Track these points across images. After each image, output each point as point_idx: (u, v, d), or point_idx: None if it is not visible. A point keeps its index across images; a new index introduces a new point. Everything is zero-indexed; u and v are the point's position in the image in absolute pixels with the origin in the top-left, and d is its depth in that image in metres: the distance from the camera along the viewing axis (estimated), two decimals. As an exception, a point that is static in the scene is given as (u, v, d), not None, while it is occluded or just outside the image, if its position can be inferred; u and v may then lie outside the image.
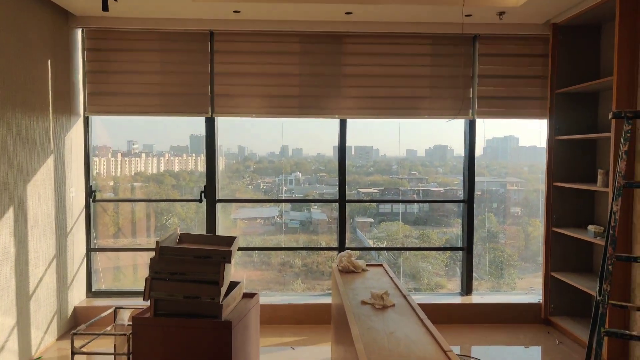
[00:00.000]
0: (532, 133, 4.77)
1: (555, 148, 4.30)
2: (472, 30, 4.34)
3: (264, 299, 4.46)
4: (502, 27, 4.33)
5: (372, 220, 5.08)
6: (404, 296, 2.76)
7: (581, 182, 4.20)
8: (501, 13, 4.04)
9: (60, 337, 4.02)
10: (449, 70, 4.49)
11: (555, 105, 4.28)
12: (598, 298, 2.08)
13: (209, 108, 4.42)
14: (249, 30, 4.36)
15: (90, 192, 4.54)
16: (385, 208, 5.11)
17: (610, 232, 2.09)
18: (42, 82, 3.80)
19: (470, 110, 4.49)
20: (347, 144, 4.58)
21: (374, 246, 5.00)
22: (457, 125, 4.57)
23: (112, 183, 4.89)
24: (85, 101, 4.40)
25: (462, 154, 4.67)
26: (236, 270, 4.79)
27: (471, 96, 4.49)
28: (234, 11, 4.04)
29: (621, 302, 2.40)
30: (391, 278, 3.19)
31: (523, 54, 4.48)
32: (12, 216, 3.41)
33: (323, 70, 4.45)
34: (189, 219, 4.95)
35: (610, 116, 2.29)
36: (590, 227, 3.82)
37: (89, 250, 4.55)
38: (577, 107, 4.28)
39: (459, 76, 4.48)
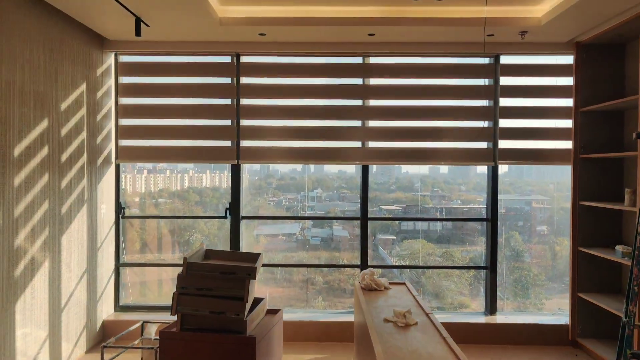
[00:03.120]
0: (558, 151, 4.72)
1: (581, 167, 4.26)
2: (494, 49, 4.37)
3: (287, 315, 4.49)
4: (524, 46, 4.35)
5: (394, 237, 5.07)
6: (427, 314, 2.76)
7: (608, 201, 4.14)
8: (523, 32, 4.07)
9: (89, 350, 4.12)
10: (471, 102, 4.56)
11: (580, 124, 4.25)
12: (624, 320, 2.06)
13: (235, 156, 4.57)
14: (274, 64, 4.53)
15: (119, 209, 4.68)
16: (407, 226, 5.11)
17: (636, 252, 2.08)
18: (78, 105, 3.98)
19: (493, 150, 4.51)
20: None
21: (396, 264, 5.00)
22: (481, 144, 4.57)
23: (137, 199, 5.03)
24: (117, 126, 4.59)
25: (485, 172, 4.67)
26: (258, 287, 4.84)
27: (493, 133, 4.50)
28: (260, 34, 4.18)
29: (650, 324, 2.36)
30: (414, 296, 3.19)
31: (546, 74, 4.49)
32: (47, 233, 3.55)
33: (345, 109, 4.58)
34: (212, 235, 5.04)
35: (634, 136, 2.29)
36: (618, 247, 3.76)
37: (118, 265, 4.68)
38: (603, 125, 4.24)
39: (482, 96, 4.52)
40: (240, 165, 4.60)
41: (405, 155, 4.55)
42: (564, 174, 4.88)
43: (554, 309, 4.77)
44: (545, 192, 5.12)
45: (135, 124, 4.61)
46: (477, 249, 4.91)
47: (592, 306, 4.14)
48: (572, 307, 4.27)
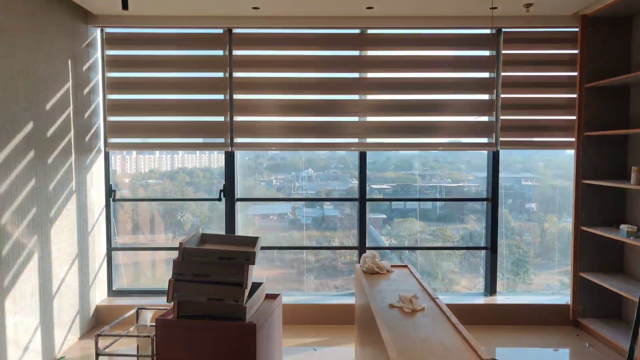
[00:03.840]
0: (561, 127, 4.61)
1: (584, 144, 4.16)
2: (498, 23, 4.22)
3: (284, 298, 4.41)
4: (529, 20, 4.20)
5: (385, 216, 5.00)
6: (433, 299, 2.68)
7: (611, 179, 4.06)
8: (528, 5, 3.91)
9: (83, 336, 4.02)
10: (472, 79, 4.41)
11: (584, 100, 4.14)
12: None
13: (229, 141, 4.41)
14: (268, 35, 4.33)
15: (110, 192, 4.53)
16: (398, 204, 5.02)
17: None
18: (63, 81, 3.78)
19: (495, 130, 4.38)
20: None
21: (387, 243, 4.92)
22: (480, 118, 4.44)
23: (127, 180, 4.89)
24: (105, 108, 4.39)
25: (483, 151, 4.55)
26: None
27: (495, 111, 4.37)
28: (253, 7, 3.98)
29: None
30: (417, 280, 3.11)
31: (550, 51, 4.35)
32: (35, 217, 3.40)
33: (342, 82, 4.42)
34: (203, 216, 4.93)
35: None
36: (623, 227, 3.69)
37: (110, 249, 4.55)
38: (608, 102, 4.13)
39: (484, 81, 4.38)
40: (233, 142, 4.43)
41: (404, 130, 4.41)
42: (553, 151, 4.75)
43: (543, 285, 4.76)
44: (534, 170, 5.05)
45: (124, 98, 4.40)
46: (468, 227, 4.85)
47: (593, 286, 4.10)
48: (573, 286, 4.23)
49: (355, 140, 4.45)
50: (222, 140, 4.42)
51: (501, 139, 4.37)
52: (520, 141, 4.42)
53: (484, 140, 4.44)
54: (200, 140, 4.52)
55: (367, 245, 4.57)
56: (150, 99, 4.40)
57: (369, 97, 4.42)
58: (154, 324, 3.01)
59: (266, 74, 4.38)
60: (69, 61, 3.87)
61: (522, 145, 4.48)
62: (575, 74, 4.23)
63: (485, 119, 4.42)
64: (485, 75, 4.40)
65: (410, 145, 4.48)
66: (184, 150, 4.75)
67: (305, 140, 4.45)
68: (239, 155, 4.60)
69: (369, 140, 4.45)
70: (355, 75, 4.42)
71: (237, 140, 4.41)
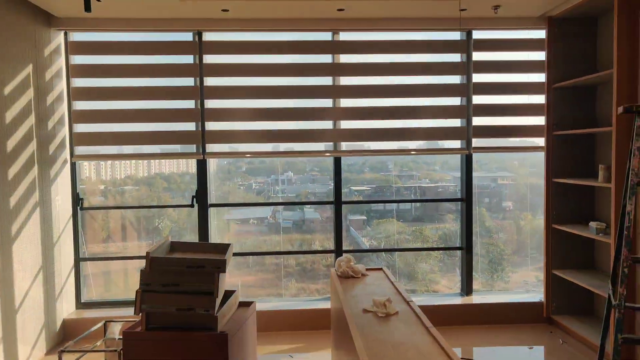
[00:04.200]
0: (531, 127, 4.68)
1: (554, 143, 4.22)
2: (467, 25, 4.25)
3: (260, 305, 4.33)
4: (497, 22, 4.25)
5: (365, 218, 4.98)
6: (407, 302, 2.65)
7: (580, 177, 4.13)
8: (496, 7, 3.95)
9: (49, 352, 3.86)
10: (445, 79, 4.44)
11: (552, 100, 4.20)
12: (614, 302, 1.99)
13: (201, 150, 4.32)
14: (239, 42, 4.27)
15: (77, 200, 4.38)
16: (378, 206, 5.01)
17: (625, 232, 2.00)
18: (24, 86, 3.64)
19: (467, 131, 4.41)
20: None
21: (368, 244, 4.90)
22: (452, 122, 4.46)
23: (102, 187, 4.74)
24: (70, 108, 4.25)
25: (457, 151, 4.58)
26: (229, 272, 4.66)
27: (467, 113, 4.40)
28: (223, 10, 3.91)
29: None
30: (392, 282, 3.08)
31: (519, 48, 4.42)
32: (-6, 228, 3.25)
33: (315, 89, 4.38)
34: (181, 221, 4.82)
35: (620, 110, 2.20)
36: (592, 224, 3.75)
37: (78, 260, 4.39)
38: (575, 101, 4.20)
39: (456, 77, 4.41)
40: (206, 149, 4.34)
41: (378, 135, 4.41)
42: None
43: (520, 282, 4.81)
44: (510, 169, 5.12)
45: (90, 107, 4.27)
46: (447, 226, 4.88)
47: (566, 283, 4.15)
48: (546, 284, 4.27)
49: (330, 145, 4.42)
50: (193, 149, 4.33)
51: (473, 144, 4.41)
52: (492, 146, 4.49)
53: (457, 144, 4.46)
54: (171, 148, 4.42)
55: (344, 248, 4.53)
56: (118, 107, 4.26)
57: (343, 102, 4.39)
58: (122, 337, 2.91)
59: (238, 80, 4.31)
60: (31, 69, 3.73)
61: (494, 150, 4.54)
62: (543, 79, 4.28)
63: (457, 122, 4.44)
64: (457, 79, 4.43)
65: (383, 151, 4.48)
66: (154, 159, 4.64)
67: (279, 148, 4.41)
68: (215, 160, 4.51)
69: (343, 144, 4.42)
70: (329, 80, 4.39)
71: (210, 148, 4.32)
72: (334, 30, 4.30)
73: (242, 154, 4.44)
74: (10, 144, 3.45)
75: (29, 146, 3.70)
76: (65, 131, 4.23)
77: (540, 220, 4.71)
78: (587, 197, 4.22)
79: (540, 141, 4.41)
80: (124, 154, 4.39)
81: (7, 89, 3.44)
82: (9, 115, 3.45)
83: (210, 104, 4.32)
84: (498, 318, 4.35)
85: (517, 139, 4.54)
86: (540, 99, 4.36)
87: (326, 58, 4.37)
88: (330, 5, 3.84)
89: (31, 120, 3.72)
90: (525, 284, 4.80)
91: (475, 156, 4.52)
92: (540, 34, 4.34)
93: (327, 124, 4.40)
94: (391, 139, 4.42)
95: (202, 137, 4.30)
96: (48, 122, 3.98)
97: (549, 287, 4.26)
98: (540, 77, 4.36)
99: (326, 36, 4.37)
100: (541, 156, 4.36)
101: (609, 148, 3.86)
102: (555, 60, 4.16)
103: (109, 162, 4.74)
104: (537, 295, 4.53)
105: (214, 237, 4.56)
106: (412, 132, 4.42)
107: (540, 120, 4.38)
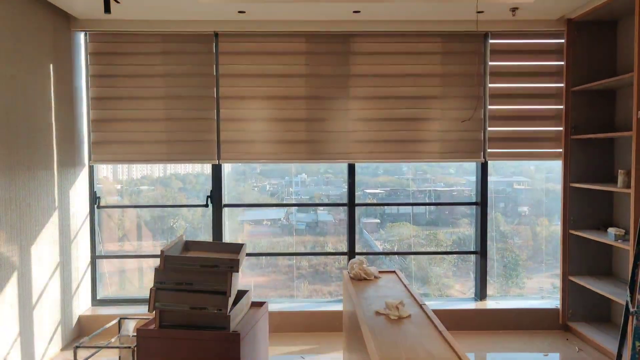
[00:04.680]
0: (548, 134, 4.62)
1: (572, 148, 4.15)
2: (484, 27, 4.21)
3: (273, 305, 4.34)
4: (514, 24, 4.20)
5: (378, 221, 4.97)
6: (420, 305, 2.64)
7: (599, 182, 4.06)
8: (514, 9, 3.91)
9: (65, 347, 3.92)
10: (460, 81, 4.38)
11: (571, 104, 4.14)
12: (632, 310, 1.95)
13: (216, 155, 4.34)
14: (254, 42, 4.28)
15: (94, 199, 4.44)
16: (391, 209, 4.99)
17: (644, 238, 1.97)
18: (44, 87, 3.71)
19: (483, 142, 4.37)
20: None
21: (381, 247, 4.88)
22: (468, 125, 4.42)
23: (119, 187, 4.81)
24: (89, 118, 4.32)
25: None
26: (243, 273, 4.69)
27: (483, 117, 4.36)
28: (239, 12, 3.94)
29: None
30: (405, 285, 3.06)
31: (537, 53, 4.36)
32: (15, 225, 3.31)
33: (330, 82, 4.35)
34: (195, 222, 4.86)
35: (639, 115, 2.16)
36: (611, 230, 3.68)
37: (94, 258, 4.46)
38: (594, 105, 4.14)
39: (472, 75, 4.36)
40: (221, 154, 4.37)
41: (392, 143, 4.36)
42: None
43: (536, 288, 4.74)
44: (526, 174, 5.05)
45: (108, 109, 4.32)
46: (461, 231, 4.83)
47: (582, 289, 4.08)
48: (562, 290, 4.21)
49: (344, 151, 4.41)
50: (209, 154, 4.37)
51: (489, 150, 4.36)
52: (507, 152, 4.42)
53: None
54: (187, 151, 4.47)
55: (357, 251, 4.52)
56: (136, 112, 4.31)
57: (357, 108, 4.36)
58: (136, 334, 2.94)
59: (253, 85, 4.31)
60: (51, 68, 3.80)
61: (509, 157, 4.47)
62: (561, 85, 4.21)
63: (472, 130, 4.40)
64: (472, 84, 4.39)
65: (397, 159, 4.44)
66: (170, 163, 4.68)
67: (294, 153, 4.41)
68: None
69: (357, 151, 4.40)
70: (344, 88, 4.36)
71: (225, 153, 4.35)
72: (350, 33, 4.28)
73: (256, 158, 4.42)
74: (30, 144, 3.52)
75: (49, 147, 3.76)
76: (84, 133, 4.30)
77: (556, 227, 4.64)
78: (605, 203, 4.15)
79: (557, 147, 4.33)
80: (140, 159, 4.42)
81: (27, 90, 3.51)
82: (30, 116, 3.52)
83: (226, 110, 4.33)
84: (512, 324, 4.29)
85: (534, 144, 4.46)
86: (558, 107, 4.29)
87: (342, 64, 4.34)
88: (346, 7, 3.85)
89: (51, 121, 3.79)
90: (541, 291, 4.73)
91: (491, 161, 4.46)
92: (558, 40, 4.27)
93: (340, 129, 4.36)
94: (405, 147, 4.38)
95: (218, 142, 4.33)
96: (68, 124, 4.04)
97: (565, 294, 4.19)
98: (557, 85, 4.30)
99: (342, 40, 4.35)
100: (558, 162, 4.29)
101: (629, 153, 3.79)
102: (574, 63, 4.11)
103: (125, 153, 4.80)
104: (552, 301, 4.46)
105: (228, 238, 4.59)
106: (426, 140, 4.37)
107: (557, 126, 4.31)
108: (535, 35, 4.31)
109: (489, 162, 4.44)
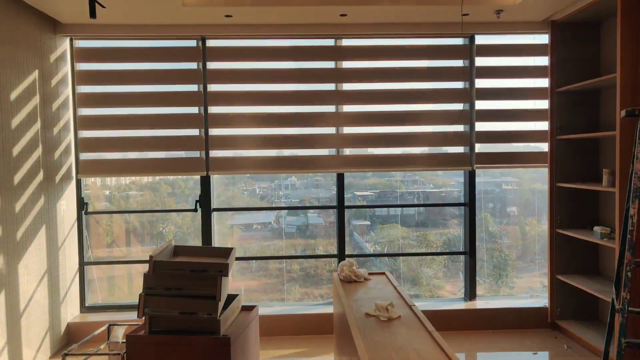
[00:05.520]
0: (535, 133, 4.67)
1: (557, 148, 4.21)
2: (469, 29, 4.26)
3: (263, 309, 4.33)
4: (499, 26, 4.25)
5: (368, 223, 4.98)
6: (409, 306, 2.65)
7: (584, 182, 4.11)
8: (499, 11, 3.96)
9: (54, 355, 3.87)
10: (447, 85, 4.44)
11: (556, 105, 4.19)
12: (617, 307, 1.98)
13: (204, 166, 4.36)
14: (243, 47, 4.30)
15: (82, 204, 4.40)
16: (381, 211, 5.01)
17: (628, 236, 2.00)
18: (30, 91, 3.67)
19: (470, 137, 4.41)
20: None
21: (372, 249, 4.89)
22: (455, 127, 4.46)
23: (107, 192, 4.77)
24: (76, 115, 4.29)
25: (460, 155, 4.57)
26: (233, 277, 4.67)
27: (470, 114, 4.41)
28: (226, 15, 3.94)
29: None
30: (394, 287, 3.08)
31: (523, 53, 4.42)
32: (0, 233, 3.28)
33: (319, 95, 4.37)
34: (185, 227, 4.84)
35: (623, 114, 2.20)
36: (597, 228, 3.73)
37: (82, 264, 4.41)
38: (579, 106, 4.20)
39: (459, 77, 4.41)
40: (209, 167, 4.37)
41: (380, 140, 4.41)
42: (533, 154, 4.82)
43: (526, 288, 4.78)
44: (514, 174, 5.10)
45: (95, 113, 4.31)
46: (451, 232, 4.86)
47: (570, 288, 4.13)
48: (550, 289, 4.25)
49: (333, 150, 4.44)
50: (197, 164, 4.38)
51: (476, 149, 4.42)
52: (495, 165, 4.49)
53: (460, 151, 4.48)
54: (175, 154, 4.44)
55: (347, 253, 4.53)
56: (123, 113, 4.30)
57: (345, 108, 4.40)
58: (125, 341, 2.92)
59: (241, 86, 4.32)
60: (37, 75, 3.77)
61: (497, 166, 4.52)
62: (546, 84, 4.27)
63: (460, 128, 4.45)
64: (459, 85, 4.44)
65: (385, 167, 4.47)
66: (159, 175, 4.66)
67: (283, 154, 4.46)
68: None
69: (347, 150, 4.44)
70: (331, 86, 4.40)
71: (213, 157, 4.36)
72: (337, 35, 4.32)
73: (245, 171, 4.44)
74: (16, 149, 3.49)
75: (35, 152, 3.73)
76: (70, 137, 4.26)
77: (544, 226, 4.69)
78: (591, 202, 4.21)
79: (544, 155, 4.37)
80: (129, 171, 4.41)
81: (13, 95, 3.47)
82: (15, 121, 3.49)
83: (214, 109, 4.34)
84: (502, 323, 4.32)
85: (521, 149, 4.50)
86: (543, 104, 4.35)
87: (329, 64, 4.39)
88: (333, 11, 3.87)
89: (37, 126, 3.76)
90: (531, 290, 4.77)
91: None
92: (543, 38, 4.34)
93: (330, 130, 4.41)
94: (394, 144, 4.42)
95: (207, 157, 4.34)
96: (54, 129, 4.01)
97: (553, 292, 4.24)
98: (543, 82, 4.36)
99: (329, 42, 4.39)
100: (546, 160, 4.35)
101: (613, 152, 3.85)
102: (559, 64, 4.16)
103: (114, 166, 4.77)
104: (541, 300, 4.50)
105: (218, 242, 4.57)
106: (414, 137, 4.42)
107: (543, 126, 4.37)
108: (521, 34, 4.37)
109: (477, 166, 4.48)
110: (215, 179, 4.56)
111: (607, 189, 3.62)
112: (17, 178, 3.49)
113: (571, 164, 4.21)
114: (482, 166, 4.44)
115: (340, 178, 4.48)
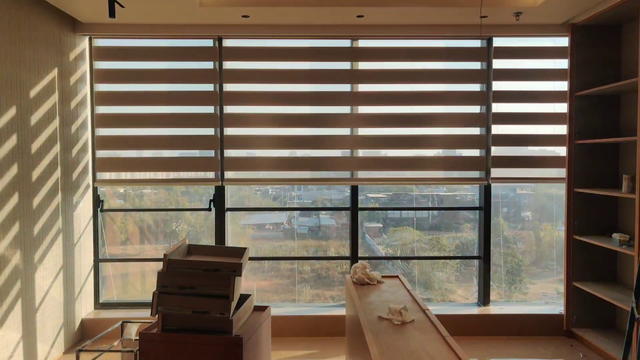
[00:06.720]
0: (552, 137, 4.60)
1: (576, 153, 4.14)
2: (487, 32, 4.22)
3: (275, 310, 4.33)
4: (518, 29, 4.20)
5: (381, 225, 4.95)
6: (423, 310, 2.62)
7: (603, 187, 4.04)
8: (518, 14, 3.91)
9: (67, 351, 3.92)
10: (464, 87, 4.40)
11: (575, 109, 4.13)
12: (637, 316, 1.94)
13: (220, 175, 4.39)
14: (259, 47, 4.32)
15: (97, 202, 4.45)
16: (394, 213, 4.98)
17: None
18: (49, 89, 3.72)
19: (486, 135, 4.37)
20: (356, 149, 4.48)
21: (384, 252, 4.86)
22: (469, 130, 4.41)
23: (122, 190, 4.81)
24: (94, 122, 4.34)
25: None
26: (245, 277, 4.68)
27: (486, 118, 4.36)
28: (243, 16, 3.95)
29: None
30: (408, 290, 3.05)
31: (541, 56, 4.36)
32: (18, 229, 3.32)
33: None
34: (198, 225, 4.86)
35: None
36: (615, 235, 3.66)
37: (97, 261, 4.46)
38: (598, 110, 4.12)
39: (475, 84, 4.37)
40: (224, 176, 4.39)
41: (396, 143, 4.38)
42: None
43: (540, 294, 4.71)
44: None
45: (112, 112, 4.36)
46: (464, 236, 4.81)
47: (587, 295, 4.06)
48: (566, 296, 4.18)
49: (347, 152, 4.43)
50: (212, 175, 4.41)
51: (492, 153, 4.38)
52: (511, 177, 4.43)
53: (475, 174, 4.45)
54: (190, 153, 4.48)
55: (359, 255, 4.51)
56: (140, 112, 4.35)
57: (360, 109, 4.38)
58: (138, 338, 2.94)
59: (257, 86, 4.34)
60: (56, 73, 3.81)
61: (513, 180, 4.46)
62: (565, 87, 4.21)
63: (476, 131, 4.40)
64: (477, 87, 4.39)
65: (400, 180, 4.50)
66: (174, 185, 4.71)
67: (296, 154, 4.47)
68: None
69: (360, 152, 4.43)
70: (347, 87, 4.39)
71: (227, 170, 4.39)
72: (353, 36, 4.31)
73: (258, 182, 4.51)
74: (35, 146, 3.54)
75: (53, 149, 3.78)
76: (88, 135, 4.31)
77: (560, 232, 4.62)
78: (610, 208, 4.13)
79: (561, 159, 4.30)
80: (144, 179, 4.47)
81: (32, 93, 3.52)
82: (34, 118, 3.53)
83: (230, 109, 4.36)
84: (516, 330, 4.26)
85: (537, 153, 4.45)
86: (562, 107, 4.29)
87: (345, 65, 4.38)
88: (349, 12, 3.86)
89: (55, 123, 3.81)
90: (545, 296, 4.70)
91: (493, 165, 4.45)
92: (562, 41, 4.28)
93: (344, 131, 4.40)
94: (409, 146, 4.39)
95: (221, 164, 4.36)
96: (72, 126, 4.06)
97: (569, 299, 4.17)
98: (562, 86, 4.29)
99: (345, 43, 4.38)
100: (562, 172, 4.27)
101: (634, 158, 3.78)
102: (578, 68, 4.10)
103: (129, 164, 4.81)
104: (556, 307, 4.43)
105: (231, 242, 4.59)
106: (429, 140, 4.38)
107: (562, 130, 4.30)
108: (540, 37, 4.31)
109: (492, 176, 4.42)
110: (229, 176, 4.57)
111: (626, 195, 3.55)
112: (35, 174, 3.54)
113: (590, 169, 4.14)
114: (498, 178, 4.37)
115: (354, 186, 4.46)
